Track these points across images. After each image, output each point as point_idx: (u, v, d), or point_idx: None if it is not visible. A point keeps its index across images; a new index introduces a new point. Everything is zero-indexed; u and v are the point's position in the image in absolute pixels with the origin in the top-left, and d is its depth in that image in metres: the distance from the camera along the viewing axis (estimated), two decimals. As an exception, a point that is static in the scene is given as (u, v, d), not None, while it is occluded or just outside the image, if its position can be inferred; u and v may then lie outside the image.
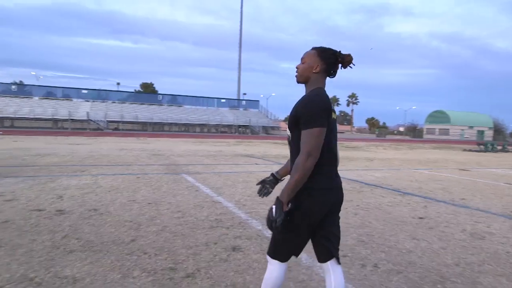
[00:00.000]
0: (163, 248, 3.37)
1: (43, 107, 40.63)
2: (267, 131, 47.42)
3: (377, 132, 70.99)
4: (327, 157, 1.80)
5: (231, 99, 53.71)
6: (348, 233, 3.99)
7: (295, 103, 1.89)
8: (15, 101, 41.19)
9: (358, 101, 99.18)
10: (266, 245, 3.53)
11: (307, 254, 3.29)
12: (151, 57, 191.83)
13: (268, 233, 3.90)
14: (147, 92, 69.02)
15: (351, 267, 3.05)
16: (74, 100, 45.73)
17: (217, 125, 45.07)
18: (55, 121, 39.96)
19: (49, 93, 46.50)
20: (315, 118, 1.72)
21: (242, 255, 3.26)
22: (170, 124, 43.23)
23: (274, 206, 1.71)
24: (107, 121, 39.68)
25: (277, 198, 1.74)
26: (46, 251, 3.21)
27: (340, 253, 3.33)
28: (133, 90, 72.48)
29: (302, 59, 1.94)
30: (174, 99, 50.99)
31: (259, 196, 2.04)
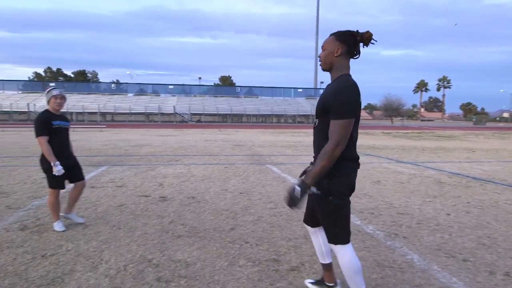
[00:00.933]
0: (263, 239, 3.38)
1: (136, 103, 45.16)
2: (346, 121, 45.56)
3: (474, 119, 62.96)
4: (353, 142, 1.93)
5: (308, 88, 52.90)
6: (464, 234, 3.53)
7: (324, 91, 1.97)
8: (114, 98, 46.50)
9: (450, 85, 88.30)
10: (369, 242, 3.31)
11: (419, 255, 2.99)
12: (229, 50, 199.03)
13: (369, 229, 3.66)
14: (226, 85, 71.94)
15: (477, 274, 2.66)
16: (162, 95, 49.81)
17: (294, 115, 44.87)
18: (147, 115, 44.12)
19: (141, 89, 51.45)
20: (346, 110, 1.80)
21: (345, 251, 3.09)
22: (248, 115, 44.38)
23: (299, 188, 1.82)
24: (191, 113, 42.41)
25: (303, 181, 1.84)
26: (158, 235, 3.47)
27: (460, 256, 2.98)
28: (212, 84, 76.28)
29: (322, 47, 1.99)
30: (251, 91, 52.13)
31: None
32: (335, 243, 1.99)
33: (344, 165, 1.89)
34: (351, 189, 1.96)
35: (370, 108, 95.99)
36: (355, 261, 1.98)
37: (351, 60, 1.99)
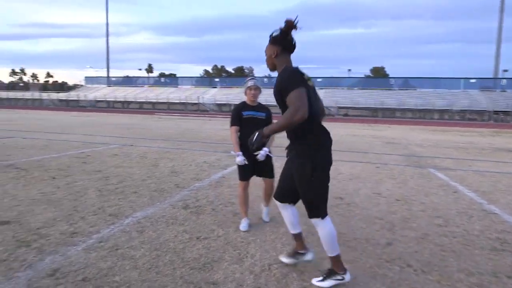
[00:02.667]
0: (431, 265, 2.69)
1: (286, 96, 47.31)
2: (543, 119, 35.47)
3: None
4: (317, 127, 2.24)
5: (484, 78, 43.71)
6: None
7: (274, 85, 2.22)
8: (265, 91, 49.89)
9: None
10: None
11: None
12: (383, 40, 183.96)
13: None
14: (378, 77, 67.35)
15: None
16: (310, 88, 50.55)
17: (462, 110, 37.88)
18: (295, 107, 45.70)
19: (291, 83, 53.70)
20: (289, 84, 2.07)
21: None
22: (403, 109, 40.09)
23: (257, 134, 2.14)
24: (338, 107, 41.49)
25: (261, 130, 2.14)
26: (303, 236, 3.21)
27: None
28: (363, 76, 72.66)
29: (265, 52, 2.31)
30: (407, 83, 46.92)
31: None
32: (322, 217, 2.28)
33: (323, 139, 2.23)
34: (330, 161, 2.27)
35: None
36: (334, 231, 2.30)
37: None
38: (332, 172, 6.75)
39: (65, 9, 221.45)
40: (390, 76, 61.40)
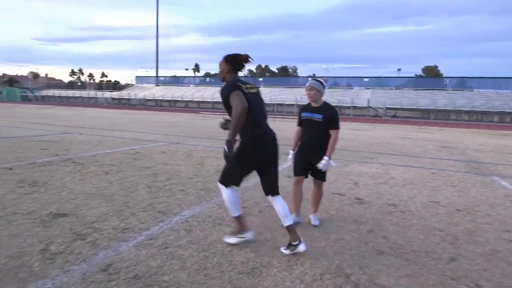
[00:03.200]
0: (503, 286, 2.39)
1: (330, 96, 46.23)
2: None
3: None
4: (251, 122, 2.64)
5: (552, 78, 39.59)
6: None
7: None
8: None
9: None
10: None
11: None
12: (436, 37, 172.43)
13: None
14: (430, 76, 63.57)
15: None
16: (355, 88, 48.90)
17: (525, 113, 34.57)
18: (339, 108, 44.48)
19: (335, 83, 52.25)
20: (228, 90, 2.59)
21: None
22: (458, 111, 37.37)
23: (225, 146, 2.54)
24: (386, 108, 39.75)
25: (226, 139, 2.53)
26: (356, 245, 3.03)
27: None
28: (413, 75, 68.94)
29: (219, 65, 2.81)
30: (463, 83, 43.75)
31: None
32: (219, 181, 2.86)
33: (258, 136, 2.72)
34: (254, 159, 2.74)
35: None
36: (232, 197, 2.84)
37: None
38: (383, 176, 6.41)
39: (120, 12, 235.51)
40: (444, 75, 57.71)
